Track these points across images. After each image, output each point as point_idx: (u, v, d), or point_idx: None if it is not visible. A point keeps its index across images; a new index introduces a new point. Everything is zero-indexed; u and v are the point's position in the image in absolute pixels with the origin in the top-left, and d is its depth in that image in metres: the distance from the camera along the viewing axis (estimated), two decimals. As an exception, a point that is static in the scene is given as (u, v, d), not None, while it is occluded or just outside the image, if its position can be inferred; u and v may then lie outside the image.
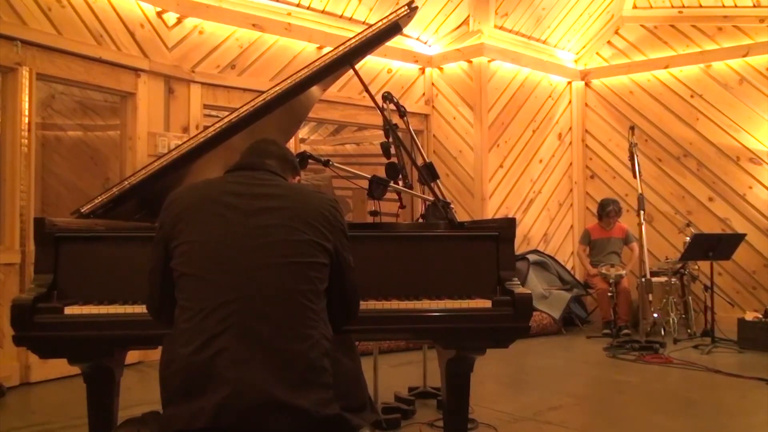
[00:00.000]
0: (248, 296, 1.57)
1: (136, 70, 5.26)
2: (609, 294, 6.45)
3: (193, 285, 1.60)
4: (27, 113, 4.53)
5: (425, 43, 7.31)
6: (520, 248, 7.22)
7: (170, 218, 1.69)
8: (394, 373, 4.80)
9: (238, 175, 1.79)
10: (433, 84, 7.39)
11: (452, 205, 2.59)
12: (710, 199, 7.13)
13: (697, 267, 6.66)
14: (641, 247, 5.71)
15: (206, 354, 1.52)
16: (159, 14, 5.46)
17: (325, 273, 1.69)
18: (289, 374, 1.54)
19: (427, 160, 2.83)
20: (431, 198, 2.63)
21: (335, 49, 2.48)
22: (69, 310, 2.01)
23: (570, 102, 7.97)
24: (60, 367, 4.30)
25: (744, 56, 6.88)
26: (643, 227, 5.69)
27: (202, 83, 5.71)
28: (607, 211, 6.83)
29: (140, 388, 4.29)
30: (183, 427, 1.50)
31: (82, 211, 2.32)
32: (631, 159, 5.84)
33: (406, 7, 2.54)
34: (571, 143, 7.96)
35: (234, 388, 1.49)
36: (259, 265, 1.60)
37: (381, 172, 2.88)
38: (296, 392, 1.52)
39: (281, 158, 1.89)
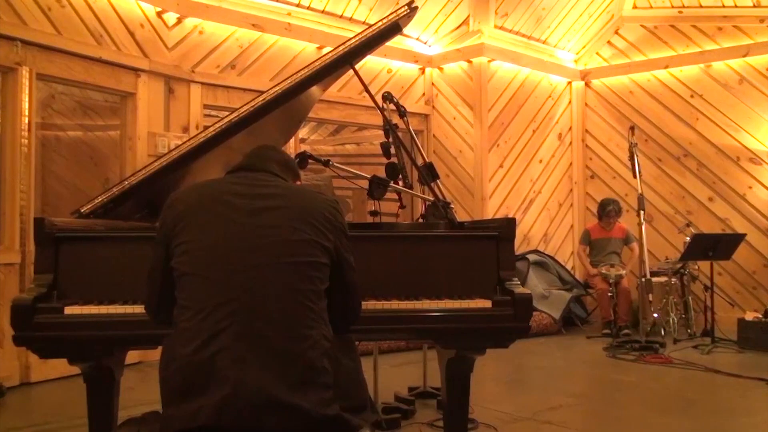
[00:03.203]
0: (248, 295, 1.57)
1: (136, 70, 5.26)
2: (609, 294, 6.45)
3: (194, 284, 1.61)
4: (27, 113, 4.53)
5: (425, 43, 7.31)
6: (520, 248, 7.22)
7: (171, 218, 1.69)
8: (394, 373, 4.80)
9: (239, 176, 1.79)
10: (433, 84, 7.39)
11: (452, 205, 2.59)
12: (710, 199, 7.13)
13: (697, 267, 6.66)
14: (641, 247, 5.71)
15: (206, 353, 1.52)
16: (159, 14, 5.46)
17: (325, 273, 1.69)
18: (289, 374, 1.54)
19: (427, 160, 2.84)
20: (431, 198, 2.63)
21: (335, 49, 2.48)
22: (69, 310, 2.01)
23: (570, 102, 7.97)
24: (60, 367, 4.30)
25: (744, 56, 6.88)
26: (643, 227, 5.70)
27: (202, 83, 5.71)
28: (607, 211, 6.83)
29: (140, 388, 4.29)
30: (183, 426, 1.50)
31: (82, 211, 2.32)
32: (631, 159, 5.84)
33: (406, 7, 2.54)
34: (571, 143, 7.96)
35: (234, 387, 1.49)
36: (259, 265, 1.60)
37: (381, 172, 2.88)
38: (296, 392, 1.53)
39: (282, 163, 1.89)
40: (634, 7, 7.67)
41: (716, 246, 5.89)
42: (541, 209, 7.64)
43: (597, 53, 7.96)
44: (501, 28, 7.22)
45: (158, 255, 1.72)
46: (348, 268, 1.80)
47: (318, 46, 6.33)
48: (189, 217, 1.67)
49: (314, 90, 2.67)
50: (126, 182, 2.34)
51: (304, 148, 5.96)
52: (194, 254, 1.63)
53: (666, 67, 7.40)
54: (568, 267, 7.57)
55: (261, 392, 1.50)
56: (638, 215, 5.71)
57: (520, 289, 2.15)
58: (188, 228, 1.66)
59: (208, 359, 1.52)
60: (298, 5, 6.24)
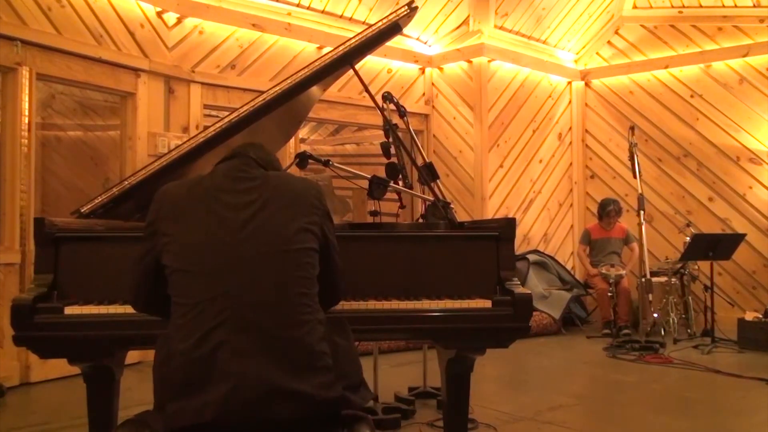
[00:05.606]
0: (242, 287, 1.59)
1: (136, 70, 5.26)
2: (609, 294, 6.46)
3: (187, 280, 1.62)
4: (27, 113, 4.53)
5: (425, 43, 7.31)
6: (520, 248, 7.22)
7: (160, 215, 1.70)
8: (394, 373, 4.80)
9: (224, 168, 1.77)
10: (433, 84, 7.39)
11: (452, 205, 2.59)
12: (710, 199, 7.13)
13: (697, 267, 6.66)
14: (641, 247, 5.71)
15: (206, 348, 1.53)
16: (159, 14, 5.46)
17: (315, 259, 1.71)
18: (290, 361, 1.56)
19: (427, 160, 2.84)
20: (431, 198, 2.63)
21: (335, 49, 2.47)
22: (69, 310, 2.01)
23: (570, 102, 7.97)
24: (60, 367, 4.30)
25: (744, 56, 6.88)
26: (643, 227, 5.70)
27: (202, 83, 5.71)
28: (607, 211, 6.83)
29: (140, 388, 4.28)
30: (189, 421, 1.51)
31: (82, 211, 2.32)
32: (631, 159, 5.84)
33: (406, 7, 2.53)
34: (571, 143, 7.96)
35: (238, 381, 1.51)
36: (251, 256, 1.62)
37: (381, 172, 2.88)
38: (298, 378, 1.55)
39: (264, 158, 1.87)
40: (634, 7, 7.67)
41: (716, 246, 5.89)
42: (541, 209, 7.64)
43: (597, 53, 7.96)
44: (501, 28, 7.22)
45: (148, 247, 1.72)
46: (334, 251, 1.82)
47: (318, 46, 6.33)
48: (176, 214, 1.68)
49: (314, 90, 2.67)
50: (126, 182, 2.34)
51: (304, 148, 5.96)
52: (183, 251, 1.64)
53: (666, 67, 7.40)
54: (568, 267, 7.57)
55: (264, 382, 1.52)
56: (638, 215, 5.71)
57: (520, 289, 2.15)
58: (177, 225, 1.67)
59: (208, 353, 1.53)
60: (298, 5, 6.24)
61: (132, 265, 1.79)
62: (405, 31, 3.13)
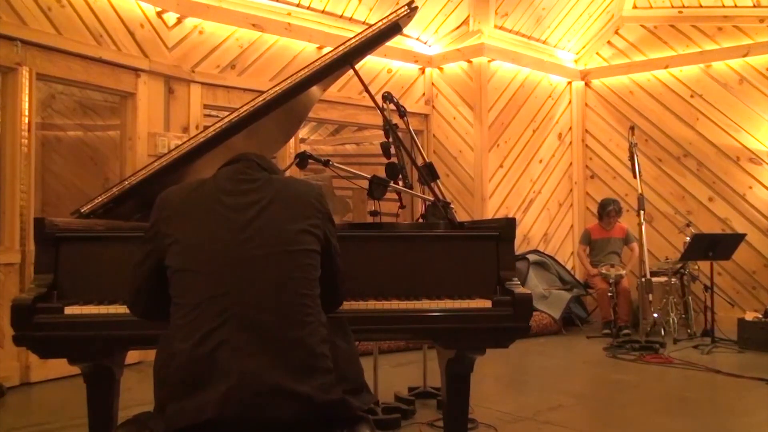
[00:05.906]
0: (244, 287, 1.59)
1: (136, 70, 5.26)
2: (609, 294, 6.45)
3: (188, 280, 1.62)
4: (27, 113, 4.53)
5: (425, 43, 7.31)
6: (520, 248, 7.22)
7: (162, 217, 1.70)
8: (394, 373, 4.80)
9: (226, 171, 1.78)
10: (433, 84, 7.39)
11: (452, 205, 2.59)
12: (710, 199, 7.13)
13: (697, 267, 6.66)
14: (641, 247, 5.71)
15: (207, 347, 1.53)
16: (159, 14, 5.46)
17: (317, 260, 1.71)
18: (290, 361, 1.56)
19: (427, 160, 2.84)
20: (431, 198, 2.63)
21: (335, 49, 2.47)
22: (69, 310, 2.01)
23: (570, 102, 7.97)
24: (60, 367, 4.30)
25: (744, 56, 6.88)
26: (643, 227, 5.70)
27: (202, 83, 5.71)
28: (607, 211, 6.84)
29: (140, 388, 4.28)
30: (189, 421, 1.51)
31: (82, 211, 2.32)
32: (631, 159, 5.84)
33: (406, 7, 2.53)
34: (571, 143, 7.96)
35: (238, 379, 1.51)
36: (253, 257, 1.62)
37: (381, 172, 2.88)
38: (298, 379, 1.55)
39: (269, 165, 1.88)
40: (634, 7, 7.67)
41: (716, 246, 5.89)
42: (541, 209, 7.64)
43: (597, 53, 7.96)
44: (501, 28, 7.22)
45: (149, 250, 1.72)
46: (336, 253, 1.82)
47: (318, 46, 6.33)
48: (179, 215, 1.69)
49: (314, 90, 2.67)
50: (126, 182, 2.33)
51: (304, 148, 5.95)
52: (185, 251, 1.64)
53: (666, 67, 7.40)
54: (568, 267, 7.57)
55: (263, 382, 1.52)
56: (638, 215, 5.71)
57: (520, 289, 2.15)
58: (179, 226, 1.67)
59: (209, 353, 1.53)
60: (298, 5, 6.24)
61: (132, 267, 1.79)
62: (405, 31, 3.13)
